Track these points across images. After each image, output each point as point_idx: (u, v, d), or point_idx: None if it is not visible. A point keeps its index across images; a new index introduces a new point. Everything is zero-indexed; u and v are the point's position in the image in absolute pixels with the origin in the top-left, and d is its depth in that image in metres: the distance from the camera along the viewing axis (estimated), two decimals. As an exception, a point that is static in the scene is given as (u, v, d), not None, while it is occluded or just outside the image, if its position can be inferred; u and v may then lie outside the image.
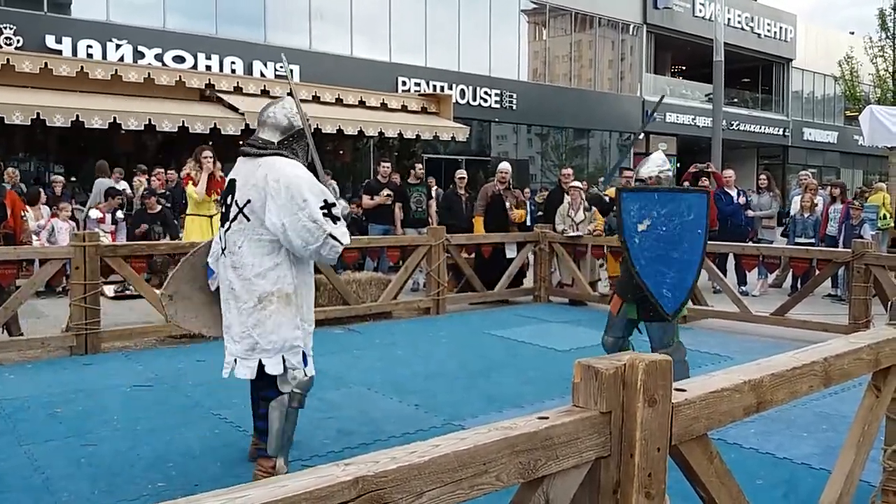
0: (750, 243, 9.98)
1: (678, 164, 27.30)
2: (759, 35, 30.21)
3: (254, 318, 3.56)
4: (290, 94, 4.04)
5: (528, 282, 9.90)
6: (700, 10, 27.49)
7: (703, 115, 27.18)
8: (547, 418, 1.69)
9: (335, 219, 3.52)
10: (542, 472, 1.66)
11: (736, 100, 31.04)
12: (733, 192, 10.70)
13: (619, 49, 26.45)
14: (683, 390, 1.97)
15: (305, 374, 3.69)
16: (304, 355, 3.68)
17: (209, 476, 3.72)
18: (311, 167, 3.80)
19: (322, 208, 3.48)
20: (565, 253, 9.16)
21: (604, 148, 26.07)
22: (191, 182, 7.77)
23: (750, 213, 10.72)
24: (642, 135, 26.59)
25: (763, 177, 11.42)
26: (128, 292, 8.99)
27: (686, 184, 11.33)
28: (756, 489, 3.45)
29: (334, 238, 3.48)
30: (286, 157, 3.67)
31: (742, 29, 29.20)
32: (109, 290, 8.92)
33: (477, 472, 1.54)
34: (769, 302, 8.59)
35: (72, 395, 5.10)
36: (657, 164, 4.70)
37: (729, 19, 27.32)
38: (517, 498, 1.71)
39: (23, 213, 7.22)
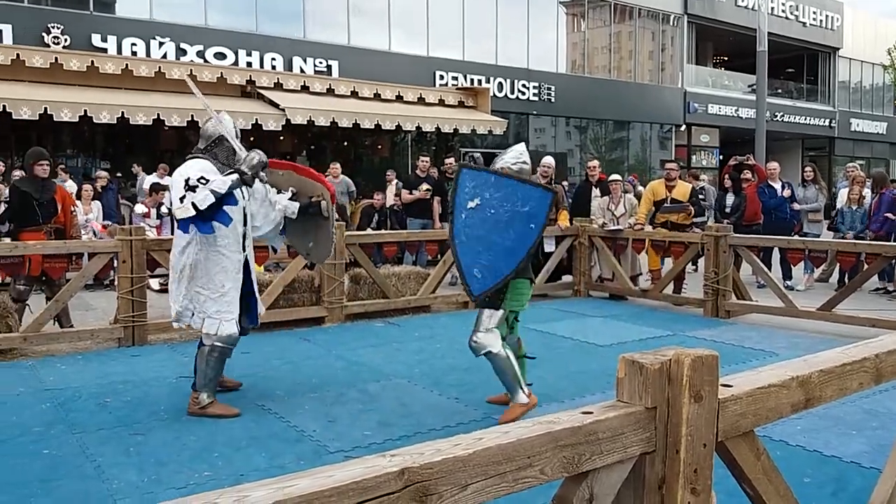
0: (796, 237, 9.78)
1: (720, 157, 26.88)
2: (804, 24, 29.51)
3: (174, 286, 4.68)
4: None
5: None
6: (742, 0, 26.95)
7: (745, 106, 26.67)
8: (591, 413, 1.68)
9: (194, 188, 4.42)
10: (587, 467, 1.65)
11: (780, 90, 30.39)
12: (777, 185, 10.49)
13: (659, 40, 26.08)
14: (730, 386, 1.95)
15: (220, 332, 4.59)
16: (213, 316, 4.59)
17: (253, 466, 3.78)
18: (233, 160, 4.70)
19: (185, 188, 4.43)
20: (605, 247, 9.07)
21: (644, 140, 25.76)
22: None
23: (796, 206, 10.50)
24: (684, 126, 26.24)
25: (808, 169, 11.16)
26: (172, 285, 9.17)
27: (726, 177, 11.17)
28: (803, 487, 3.38)
29: (180, 218, 4.47)
30: (200, 158, 4.68)
31: (786, 18, 28.55)
32: (155, 283, 9.10)
33: (521, 465, 1.54)
34: (815, 297, 8.41)
35: (120, 386, 5.24)
36: (514, 156, 4.55)
37: (772, 8, 26.77)
38: (561, 492, 1.71)
39: (73, 209, 7.41)
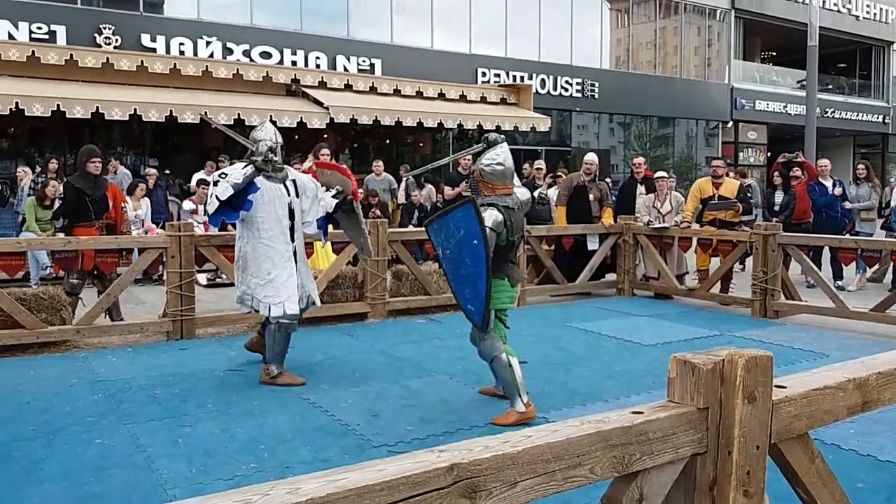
0: (847, 236, 9.52)
1: (769, 154, 26.31)
2: (856, 17, 28.68)
3: (235, 274, 5.34)
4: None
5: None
6: (792, -7, 26.32)
7: (795, 102, 26.05)
8: (641, 413, 1.66)
9: (216, 183, 5.00)
10: (637, 467, 1.64)
11: (830, 86, 29.58)
12: (828, 183, 10.23)
13: (705, 35, 25.63)
14: (783, 387, 1.91)
15: (272, 313, 5.14)
16: (264, 300, 5.14)
17: (299, 459, 3.83)
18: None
19: (212, 187, 5.01)
20: (651, 245, 8.95)
21: (690, 137, 25.35)
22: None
23: (847, 204, 10.22)
24: (731, 123, 25.77)
25: (861, 166, 10.85)
26: (219, 280, 9.35)
27: (775, 174, 10.92)
28: (857, 493, 3.29)
29: (209, 212, 5.08)
30: (241, 160, 5.32)
31: (838, 11, 27.78)
32: (202, 278, 9.29)
33: (570, 464, 1.53)
34: (867, 297, 8.19)
35: (169, 378, 5.35)
36: (491, 157, 4.55)
37: (824, 1, 26.05)
38: (611, 491, 1.70)
39: (123, 205, 7.58)
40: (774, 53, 30.56)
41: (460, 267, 4.35)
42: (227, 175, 5.04)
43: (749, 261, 9.13)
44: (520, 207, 4.62)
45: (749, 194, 10.46)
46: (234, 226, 5.59)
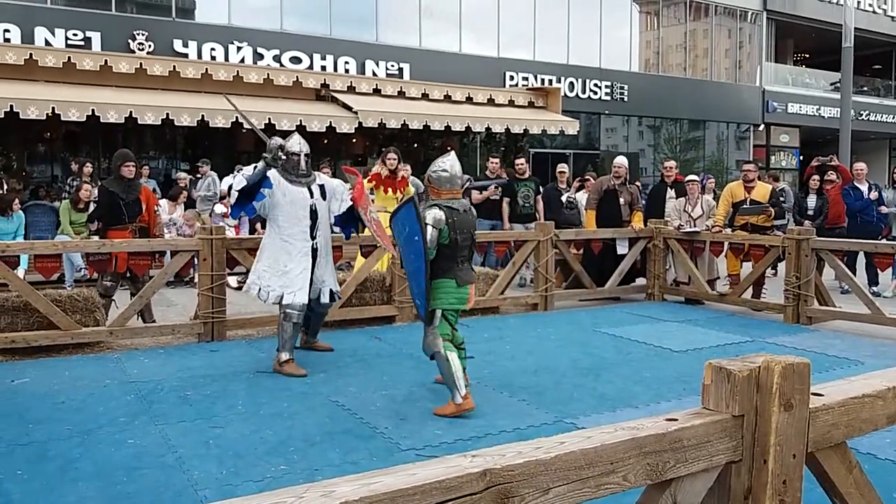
0: (884, 241, 9.34)
1: (801, 157, 25.91)
2: (892, 18, 28.15)
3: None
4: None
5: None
6: (826, -6, 25.93)
7: (828, 105, 25.64)
8: (676, 420, 1.65)
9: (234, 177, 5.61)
10: (671, 475, 1.62)
11: (865, 88, 29.04)
12: (863, 187, 10.05)
13: (736, 37, 25.34)
14: (821, 395, 1.88)
15: (284, 301, 5.54)
16: (277, 289, 5.56)
17: (328, 462, 3.85)
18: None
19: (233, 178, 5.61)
20: (681, 249, 8.86)
21: (720, 140, 25.07)
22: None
23: (884, 209, 10.03)
24: (762, 126, 25.45)
25: (897, 170, 10.65)
26: (249, 283, 9.41)
27: (815, 177, 10.74)
28: (894, 503, 3.23)
29: (231, 204, 5.67)
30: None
31: (873, 12, 27.30)
32: (233, 280, 9.37)
33: (604, 471, 1.52)
34: (904, 304, 8.02)
35: (200, 380, 5.40)
36: (437, 163, 4.91)
37: (858, 2, 25.61)
38: (644, 499, 1.69)
39: (156, 208, 7.69)
40: (807, 55, 30.11)
41: (408, 263, 4.72)
42: (242, 169, 5.71)
43: (781, 266, 9.00)
44: (467, 211, 4.87)
45: (782, 198, 10.31)
46: (262, 225, 6.03)
